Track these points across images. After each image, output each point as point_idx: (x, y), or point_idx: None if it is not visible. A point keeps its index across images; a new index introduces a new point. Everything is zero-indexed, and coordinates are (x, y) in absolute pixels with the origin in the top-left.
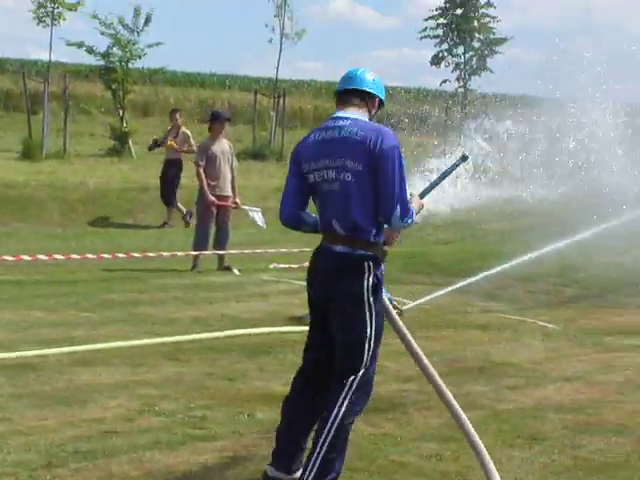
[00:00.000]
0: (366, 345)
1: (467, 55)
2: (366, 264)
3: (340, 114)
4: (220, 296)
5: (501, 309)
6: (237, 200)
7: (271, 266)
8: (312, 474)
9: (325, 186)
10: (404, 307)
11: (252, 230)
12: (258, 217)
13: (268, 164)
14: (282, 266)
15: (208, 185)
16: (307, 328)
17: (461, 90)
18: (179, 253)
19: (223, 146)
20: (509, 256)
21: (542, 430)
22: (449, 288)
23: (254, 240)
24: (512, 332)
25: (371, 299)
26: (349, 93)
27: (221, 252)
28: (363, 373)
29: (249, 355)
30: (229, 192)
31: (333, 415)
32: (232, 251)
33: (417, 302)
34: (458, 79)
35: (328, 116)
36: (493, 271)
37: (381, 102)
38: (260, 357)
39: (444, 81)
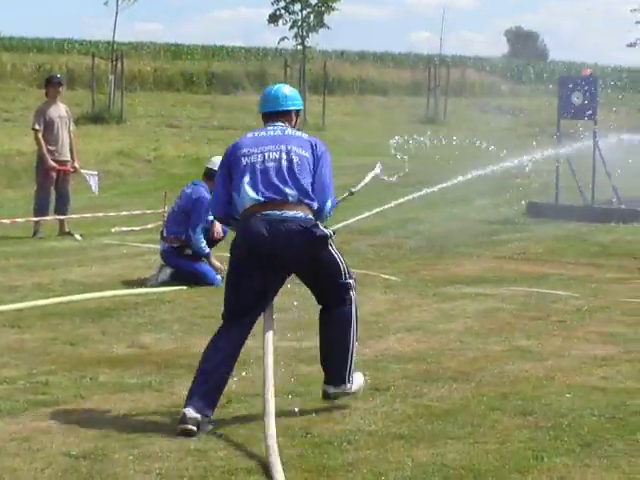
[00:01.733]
0: (338, 260)
1: (304, 12)
2: (317, 224)
3: (276, 124)
4: (62, 261)
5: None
6: (76, 164)
7: (113, 230)
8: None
9: (268, 164)
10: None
11: (92, 194)
12: (93, 181)
13: (108, 128)
14: (124, 229)
15: (47, 150)
16: (151, 290)
17: (300, 47)
18: (19, 220)
19: (60, 110)
20: (353, 210)
21: (384, 380)
22: None
23: (95, 204)
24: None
25: (330, 241)
26: (273, 114)
27: (62, 217)
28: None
29: (92, 319)
30: (68, 157)
31: (347, 304)
32: (73, 216)
33: None
34: (296, 36)
35: (167, 78)
36: (339, 225)
37: (297, 111)
38: (103, 321)
39: (282, 39)
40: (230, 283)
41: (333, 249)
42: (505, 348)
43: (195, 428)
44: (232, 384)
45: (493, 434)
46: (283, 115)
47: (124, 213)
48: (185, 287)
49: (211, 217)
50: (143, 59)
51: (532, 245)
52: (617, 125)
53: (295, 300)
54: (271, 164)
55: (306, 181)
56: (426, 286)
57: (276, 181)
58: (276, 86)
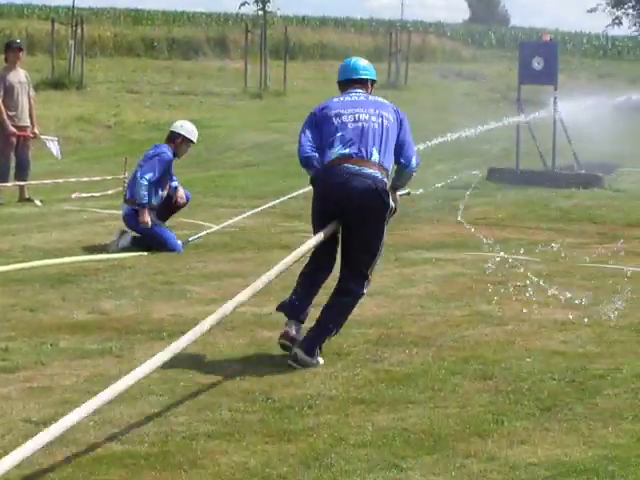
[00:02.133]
0: (380, 247)
1: None
2: (387, 190)
3: (356, 91)
4: (22, 228)
5: (305, 228)
6: (35, 130)
7: (73, 195)
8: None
9: (358, 124)
10: (209, 231)
11: (52, 160)
12: (54, 147)
13: (68, 93)
14: (84, 195)
15: (7, 116)
16: (111, 256)
17: (261, 13)
18: None
19: (20, 76)
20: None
21: (345, 346)
22: (255, 210)
23: (55, 170)
24: None
25: (387, 216)
26: (352, 82)
27: (22, 183)
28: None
29: (52, 285)
30: (28, 122)
31: (353, 296)
32: (33, 182)
33: (221, 225)
34: (257, 2)
35: (128, 43)
36: (301, 191)
37: (373, 81)
38: (63, 287)
39: (243, 4)
40: (314, 219)
41: (384, 232)
42: (466, 313)
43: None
44: (193, 350)
45: (454, 398)
46: (360, 83)
47: (84, 179)
48: (145, 253)
49: (175, 183)
50: (103, 24)
51: (493, 210)
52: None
53: (256, 266)
54: (361, 124)
55: (390, 145)
56: (387, 251)
57: (364, 140)
58: (354, 58)
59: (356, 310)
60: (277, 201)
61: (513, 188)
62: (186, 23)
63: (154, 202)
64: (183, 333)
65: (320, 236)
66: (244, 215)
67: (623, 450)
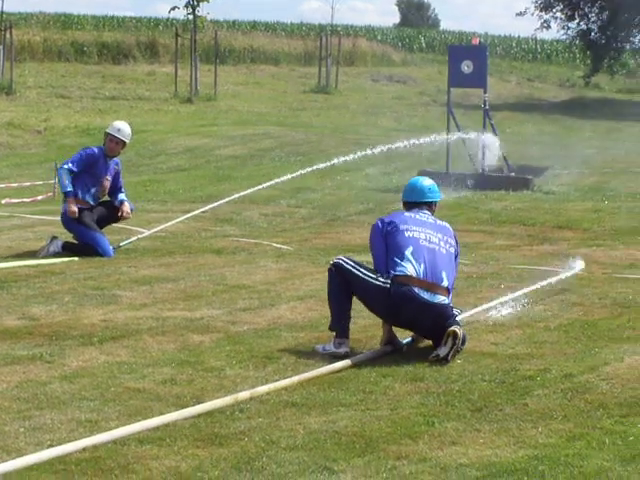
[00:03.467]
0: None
1: None
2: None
3: (424, 212)
4: None
5: (236, 233)
6: None
7: (3, 201)
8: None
9: (429, 245)
10: (140, 236)
11: None
12: None
13: None
14: (15, 201)
15: None
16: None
17: (191, 17)
18: None
19: None
20: (244, 180)
21: (276, 349)
22: (187, 215)
23: None
24: (247, 255)
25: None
26: (421, 203)
27: None
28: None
29: None
30: None
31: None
32: None
33: (153, 230)
34: (187, 6)
35: (57, 48)
36: (232, 197)
37: (437, 202)
38: None
39: (173, 8)
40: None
41: None
42: None
43: None
44: (124, 355)
45: (385, 400)
46: (427, 204)
47: (14, 185)
48: (76, 258)
49: (122, 196)
50: (32, 29)
51: None
52: (508, 94)
53: (186, 270)
54: (431, 246)
55: (454, 272)
56: (318, 254)
57: (436, 263)
58: (420, 179)
59: (287, 314)
60: (209, 207)
61: (444, 191)
62: (116, 27)
63: (89, 200)
64: (114, 338)
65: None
66: (175, 221)
67: (553, 450)
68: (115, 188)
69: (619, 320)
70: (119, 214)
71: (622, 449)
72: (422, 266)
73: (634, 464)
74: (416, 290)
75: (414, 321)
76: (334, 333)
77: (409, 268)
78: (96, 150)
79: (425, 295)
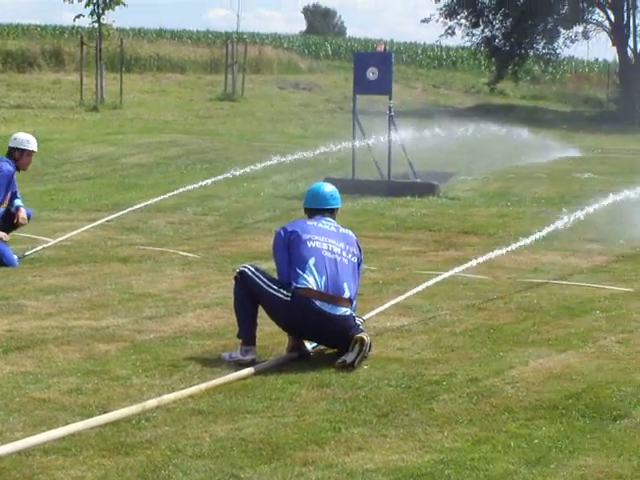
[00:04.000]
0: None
1: None
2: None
3: (327, 219)
4: None
5: (142, 241)
6: None
7: None
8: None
9: (332, 255)
10: (46, 245)
11: None
12: None
13: None
14: None
15: None
16: None
17: (96, 25)
18: None
19: None
20: (150, 188)
21: (181, 357)
22: (94, 224)
23: None
24: (153, 263)
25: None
26: (324, 210)
27: None
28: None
29: None
30: None
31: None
32: None
33: (58, 240)
34: (92, 14)
35: None
36: (138, 206)
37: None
38: None
39: (78, 16)
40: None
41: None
42: None
43: None
44: (29, 365)
45: (291, 407)
46: (329, 211)
47: None
48: None
49: (18, 202)
50: None
51: None
52: (414, 100)
53: (92, 279)
54: (333, 256)
55: (357, 281)
56: (225, 262)
57: (338, 275)
58: (322, 186)
59: (194, 322)
60: (115, 215)
61: (350, 198)
62: (20, 35)
63: None
64: (19, 348)
65: None
66: (80, 230)
67: (458, 454)
68: (11, 194)
69: (524, 324)
70: (15, 220)
71: (527, 452)
72: (324, 278)
73: (539, 467)
74: (317, 303)
75: (317, 333)
76: (241, 340)
77: (310, 280)
78: (11, 167)
79: (327, 308)
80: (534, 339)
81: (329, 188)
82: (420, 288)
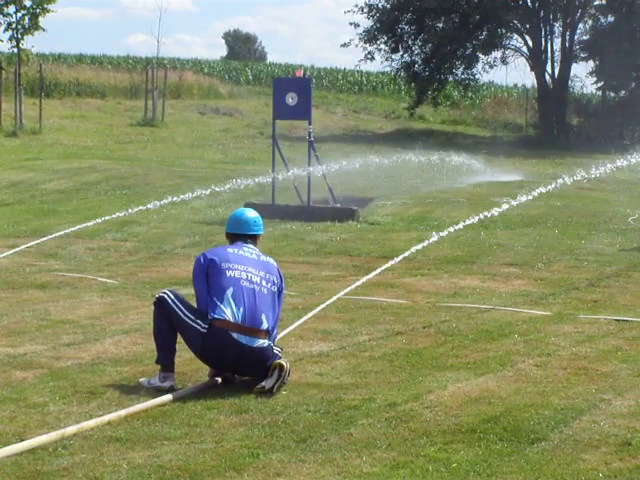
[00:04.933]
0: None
1: (19, 14)
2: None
3: (248, 246)
4: None
5: (61, 267)
6: None
7: None
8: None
9: (250, 285)
10: None
11: None
12: None
13: None
14: None
15: None
16: None
17: (15, 50)
18: None
19: None
20: (69, 214)
21: (99, 384)
22: (12, 250)
23: None
24: (71, 289)
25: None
26: (246, 236)
27: None
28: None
29: None
30: None
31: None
32: None
33: None
34: (11, 39)
35: None
36: (58, 234)
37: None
38: None
39: None
40: None
41: None
42: None
43: None
44: None
45: (209, 433)
46: (252, 237)
47: None
48: None
49: None
50: None
51: None
52: (334, 125)
53: (9, 306)
54: (252, 286)
55: (276, 310)
56: (144, 288)
57: (256, 306)
58: (245, 212)
59: (112, 348)
60: (35, 242)
61: (269, 222)
62: None
63: None
64: None
65: None
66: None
67: (377, 478)
68: None
69: (443, 348)
70: None
71: (445, 476)
72: (241, 310)
73: None
74: (234, 335)
75: (234, 365)
76: (159, 367)
77: (228, 312)
78: None
79: (244, 340)
80: (453, 363)
81: (252, 214)
82: (316, 310)
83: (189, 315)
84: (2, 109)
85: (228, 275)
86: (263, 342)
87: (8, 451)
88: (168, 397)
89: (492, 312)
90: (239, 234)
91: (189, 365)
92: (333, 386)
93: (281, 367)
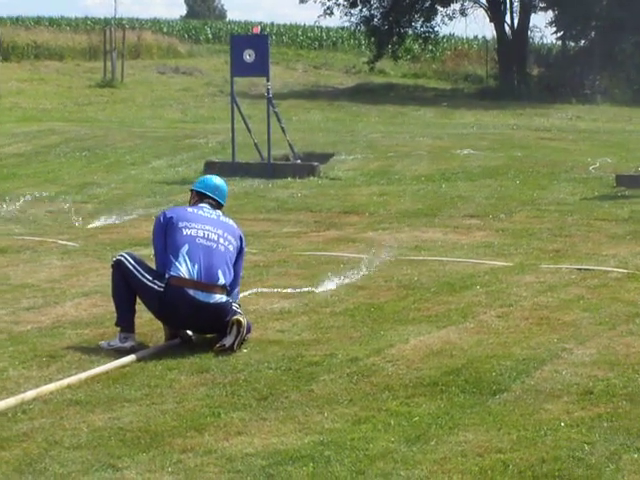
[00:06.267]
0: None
1: None
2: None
3: (208, 207)
4: None
5: (21, 231)
6: None
7: None
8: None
9: (206, 242)
10: None
11: None
12: None
13: None
14: None
15: None
16: None
17: None
18: None
19: None
20: (29, 177)
21: (59, 347)
22: None
23: None
24: (31, 253)
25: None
26: (209, 197)
27: None
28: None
29: None
30: None
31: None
32: None
33: None
34: None
35: None
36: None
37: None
38: None
39: None
40: None
41: None
42: None
43: None
44: None
45: (170, 394)
46: (216, 202)
47: None
48: None
49: None
50: None
51: None
52: (294, 82)
53: None
54: (209, 243)
55: (233, 269)
56: (104, 249)
57: (211, 263)
58: (216, 178)
59: (72, 311)
60: None
61: (230, 180)
62: None
63: None
64: None
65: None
66: None
67: (339, 434)
68: None
69: (404, 302)
70: None
71: (407, 430)
72: (196, 266)
73: (419, 444)
74: (191, 292)
75: (193, 322)
76: (119, 329)
77: (183, 269)
78: None
79: (200, 296)
80: (414, 316)
81: (219, 181)
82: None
83: (146, 276)
84: None
85: (184, 233)
86: (220, 297)
87: None
88: (131, 357)
89: (453, 264)
90: (204, 194)
91: (149, 326)
92: (294, 343)
93: (239, 323)
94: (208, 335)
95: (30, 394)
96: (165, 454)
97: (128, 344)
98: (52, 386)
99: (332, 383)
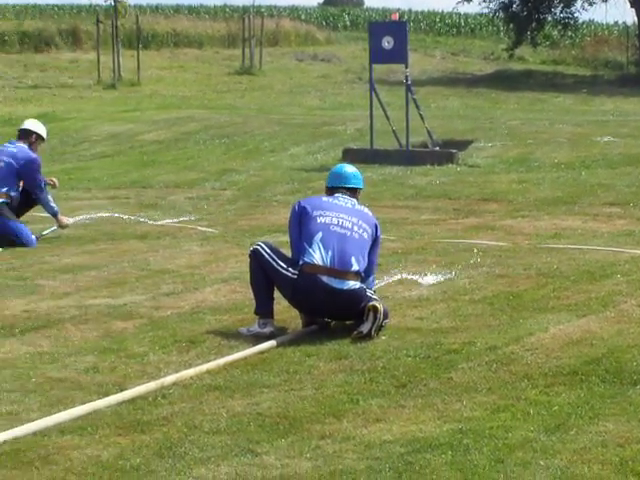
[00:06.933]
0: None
1: None
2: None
3: (345, 197)
4: None
5: (160, 217)
6: None
7: None
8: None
9: (340, 230)
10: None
11: None
12: None
13: None
14: None
15: None
16: None
17: (112, 2)
18: None
19: None
20: (169, 164)
21: (199, 333)
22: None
23: None
24: (171, 239)
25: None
26: (344, 188)
27: None
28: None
29: None
30: None
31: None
32: None
33: (77, 219)
34: None
35: None
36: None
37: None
38: None
39: None
40: None
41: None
42: None
43: None
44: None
45: (309, 380)
46: (351, 190)
47: None
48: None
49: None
50: None
51: None
52: (433, 68)
53: (110, 257)
54: (343, 231)
55: (368, 257)
56: (243, 236)
57: (345, 250)
58: (345, 166)
59: (211, 297)
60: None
61: (369, 167)
62: (37, 16)
63: (13, 194)
64: (36, 329)
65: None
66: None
67: (477, 423)
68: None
69: (544, 290)
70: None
71: (546, 419)
72: (330, 253)
73: (559, 433)
74: (324, 279)
75: (327, 309)
76: (258, 316)
77: (316, 256)
78: (35, 154)
79: (334, 283)
80: (554, 305)
81: (351, 169)
82: None
83: (281, 264)
84: (101, 62)
85: (318, 221)
86: (354, 284)
87: (108, 401)
88: (271, 343)
89: (593, 253)
90: (337, 187)
91: (288, 312)
92: (433, 330)
93: (375, 309)
94: (347, 322)
95: (170, 379)
96: (304, 440)
97: (267, 330)
98: (192, 371)
99: (471, 371)
